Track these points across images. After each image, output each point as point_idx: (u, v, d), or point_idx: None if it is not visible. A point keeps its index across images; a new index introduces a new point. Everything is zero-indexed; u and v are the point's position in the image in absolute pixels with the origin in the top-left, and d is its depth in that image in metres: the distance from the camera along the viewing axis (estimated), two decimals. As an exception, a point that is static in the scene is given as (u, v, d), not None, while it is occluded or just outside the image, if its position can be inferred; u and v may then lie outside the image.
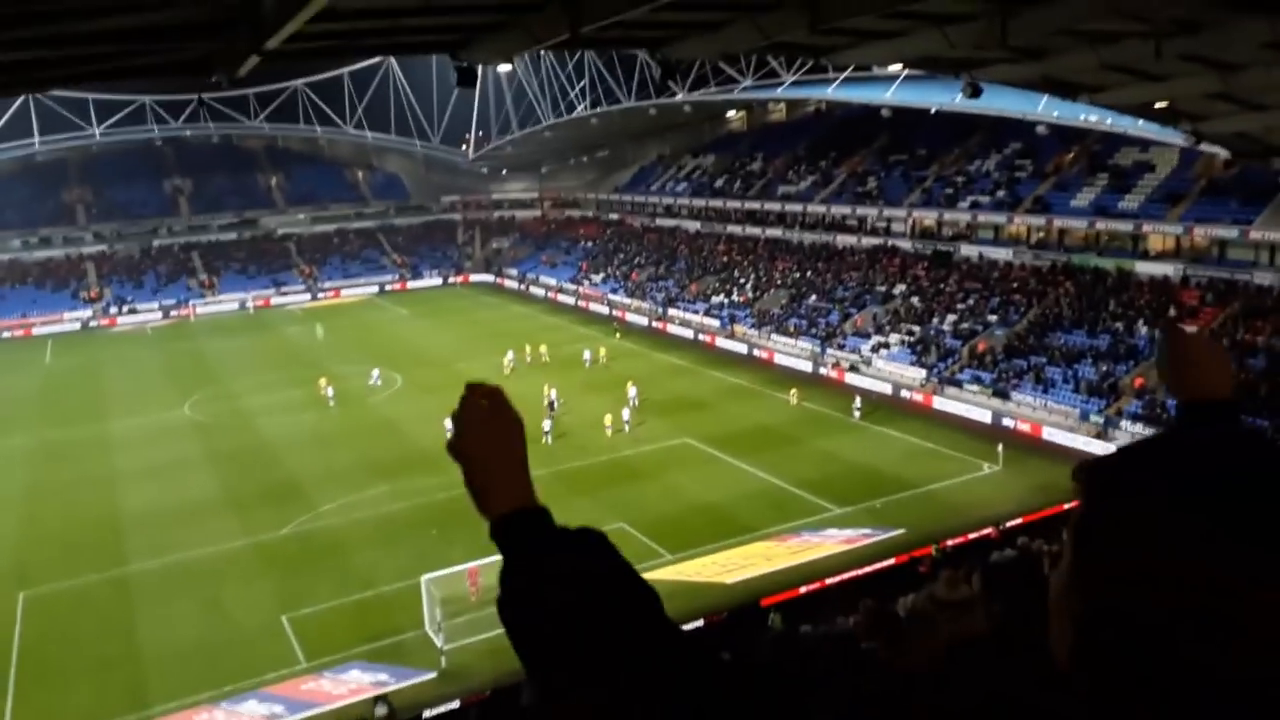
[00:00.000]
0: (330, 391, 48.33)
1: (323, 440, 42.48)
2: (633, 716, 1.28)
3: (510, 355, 54.21)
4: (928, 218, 60.13)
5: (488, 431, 1.54)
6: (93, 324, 77.98)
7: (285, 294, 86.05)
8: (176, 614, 26.85)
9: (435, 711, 20.69)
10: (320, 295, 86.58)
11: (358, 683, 22.98)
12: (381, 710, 6.11)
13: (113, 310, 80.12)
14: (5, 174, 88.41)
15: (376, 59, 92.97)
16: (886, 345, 50.95)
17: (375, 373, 51.80)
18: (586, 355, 54.65)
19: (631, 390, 44.09)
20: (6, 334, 75.14)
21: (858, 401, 42.73)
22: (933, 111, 54.55)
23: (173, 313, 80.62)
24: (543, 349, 55.56)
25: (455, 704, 20.90)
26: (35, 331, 75.56)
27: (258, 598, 27.54)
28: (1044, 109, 44.98)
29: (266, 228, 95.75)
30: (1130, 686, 1.05)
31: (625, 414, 41.67)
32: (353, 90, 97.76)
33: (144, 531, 32.87)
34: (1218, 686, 0.98)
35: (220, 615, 26.73)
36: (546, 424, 40.11)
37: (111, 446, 43.40)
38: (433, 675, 23.30)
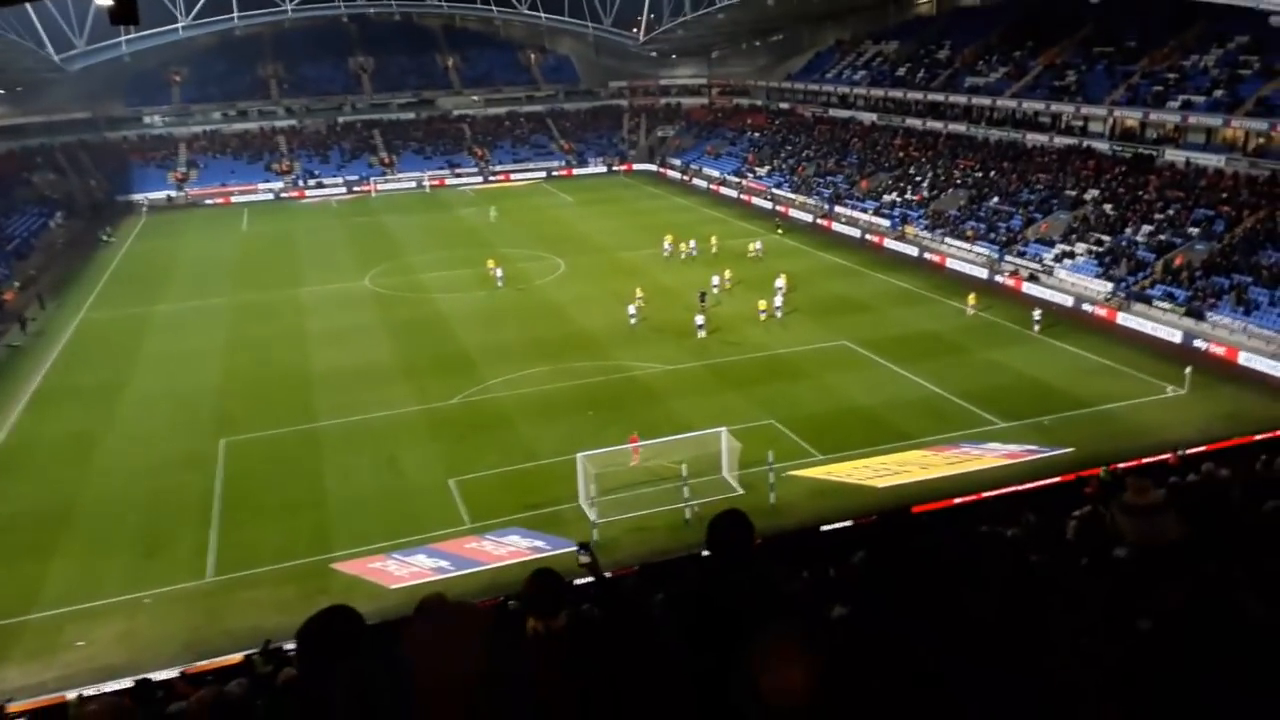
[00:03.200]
0: (499, 272, 49.95)
1: (490, 318, 44.20)
2: None
3: (667, 245, 54.77)
4: (1131, 117, 55.00)
5: None
6: (284, 195, 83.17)
7: (459, 175, 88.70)
8: (356, 468, 29.17)
9: (585, 580, 21.80)
10: (491, 178, 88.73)
11: (516, 546, 24.44)
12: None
13: (301, 183, 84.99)
14: (207, 49, 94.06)
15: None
16: (1072, 255, 47.75)
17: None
18: (758, 246, 54.48)
19: (779, 281, 44.63)
20: (209, 201, 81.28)
21: (1037, 313, 40.51)
22: (1150, -3, 49.27)
23: (355, 188, 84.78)
24: (713, 240, 55.77)
25: (606, 574, 21.93)
26: (234, 200, 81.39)
27: (428, 460, 29.49)
28: (1285, -4, 39.74)
29: (443, 108, 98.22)
30: None
31: (778, 301, 42.83)
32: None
33: (329, 390, 35.61)
34: None
35: (395, 473, 28.84)
36: (699, 319, 40.24)
37: (301, 311, 46.76)
38: (585, 547, 24.42)
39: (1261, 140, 48.26)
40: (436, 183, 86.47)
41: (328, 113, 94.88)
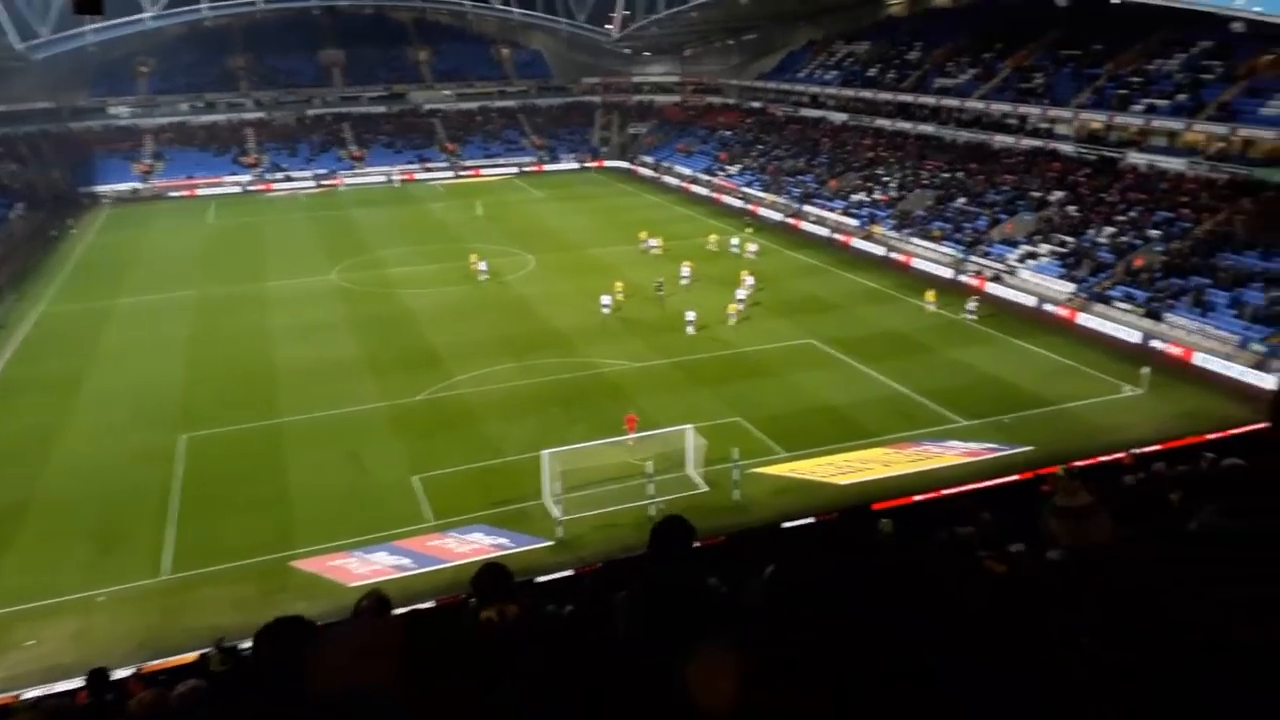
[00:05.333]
0: (484, 266, 49.70)
1: (458, 314, 43.97)
2: None
3: (652, 241, 54.79)
4: (1096, 120, 55.71)
5: None
6: (251, 188, 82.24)
7: (429, 170, 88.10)
8: (320, 464, 28.92)
9: (550, 577, 21.76)
10: (461, 174, 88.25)
11: (480, 543, 24.36)
12: None
13: (269, 176, 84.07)
14: (175, 39, 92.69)
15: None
16: (1035, 255, 48.32)
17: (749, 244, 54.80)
18: (753, 248, 54.53)
19: (748, 279, 45.27)
20: (174, 194, 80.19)
21: (971, 304, 42.26)
22: (1116, 1, 49.82)
23: (323, 182, 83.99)
24: (712, 238, 56.27)
25: (570, 572, 21.92)
26: (200, 193, 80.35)
27: (392, 457, 29.30)
28: (1244, 2, 40.44)
29: (414, 102, 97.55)
30: None
31: (741, 294, 43.39)
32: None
33: (293, 386, 35.27)
34: None
35: (358, 470, 28.63)
36: (690, 314, 40.44)
37: (266, 305, 46.26)
38: (549, 543, 24.44)
39: (1222, 144, 49.08)
40: (406, 178, 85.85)
41: (297, 105, 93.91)
